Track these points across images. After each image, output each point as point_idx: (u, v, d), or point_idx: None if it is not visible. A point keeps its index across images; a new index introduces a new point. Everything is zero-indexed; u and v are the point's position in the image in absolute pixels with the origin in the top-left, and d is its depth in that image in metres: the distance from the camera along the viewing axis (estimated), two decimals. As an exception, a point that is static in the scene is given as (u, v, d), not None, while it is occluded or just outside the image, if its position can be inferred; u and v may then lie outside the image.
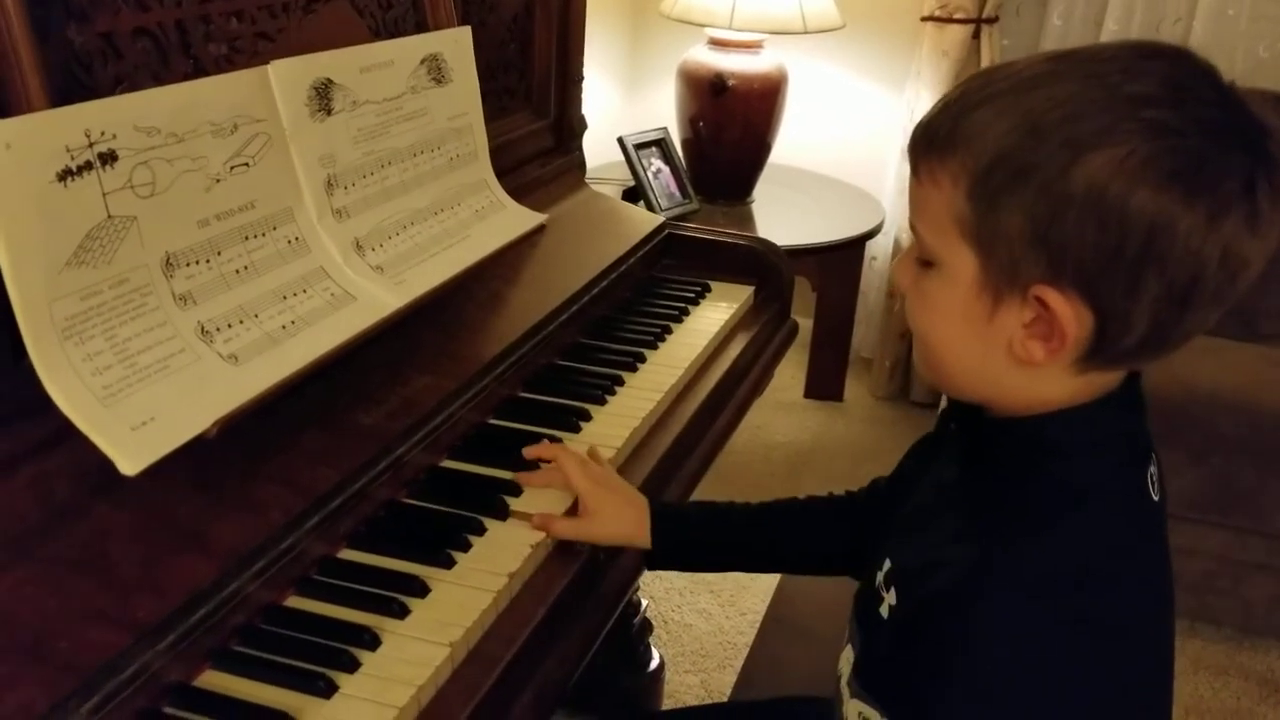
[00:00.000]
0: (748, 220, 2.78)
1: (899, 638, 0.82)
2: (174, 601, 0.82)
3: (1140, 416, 0.83)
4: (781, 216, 2.80)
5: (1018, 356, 0.76)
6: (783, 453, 2.84)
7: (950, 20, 2.82)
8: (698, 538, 1.12)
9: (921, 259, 0.80)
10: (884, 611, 0.83)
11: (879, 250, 3.07)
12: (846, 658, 0.92)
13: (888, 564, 0.86)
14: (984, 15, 2.81)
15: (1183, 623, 2.28)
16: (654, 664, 1.96)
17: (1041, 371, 0.77)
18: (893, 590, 0.83)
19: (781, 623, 1.43)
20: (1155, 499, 0.82)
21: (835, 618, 1.40)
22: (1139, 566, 0.81)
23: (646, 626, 1.98)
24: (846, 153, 3.14)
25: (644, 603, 1.97)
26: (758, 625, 2.20)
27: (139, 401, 0.83)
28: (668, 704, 2.03)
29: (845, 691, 0.88)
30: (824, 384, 3.10)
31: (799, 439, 2.92)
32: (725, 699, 2.07)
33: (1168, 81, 0.71)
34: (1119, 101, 0.70)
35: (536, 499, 1.08)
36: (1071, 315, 0.73)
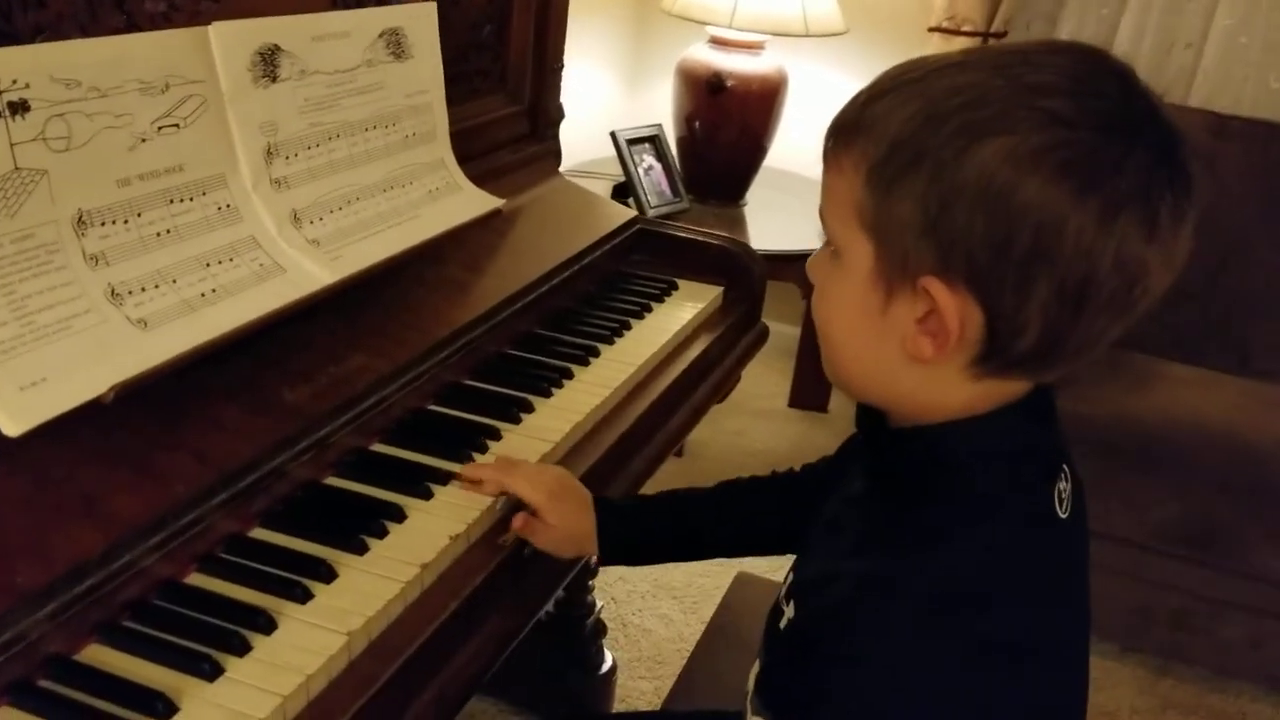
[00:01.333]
0: (739, 223, 2.74)
1: (791, 652, 0.79)
2: (58, 570, 0.79)
3: (1048, 429, 0.80)
4: (773, 220, 2.77)
5: (909, 353, 0.73)
6: (760, 460, 2.80)
7: (958, 33, 2.78)
8: (644, 537, 1.09)
9: (829, 252, 0.78)
10: (782, 625, 0.81)
11: (872, 262, 3.02)
12: (753, 672, 0.89)
13: (790, 577, 0.84)
14: (992, 30, 2.78)
15: (1154, 660, 2.24)
16: (606, 667, 1.93)
17: (937, 373, 0.74)
18: (791, 604, 0.81)
19: (724, 633, 1.40)
20: (1063, 516, 0.78)
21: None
22: (1037, 587, 0.77)
23: (600, 628, 1.94)
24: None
25: (599, 604, 1.94)
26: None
27: (32, 361, 0.80)
28: (618, 709, 1.99)
29: (749, 707, 0.85)
30: (809, 393, 3.07)
31: (778, 447, 2.89)
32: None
33: (1070, 73, 0.68)
34: (1018, 90, 0.67)
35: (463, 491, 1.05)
36: (956, 310, 0.70)
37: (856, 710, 0.71)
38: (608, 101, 3.11)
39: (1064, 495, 0.79)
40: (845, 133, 0.74)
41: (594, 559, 1.10)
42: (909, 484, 0.77)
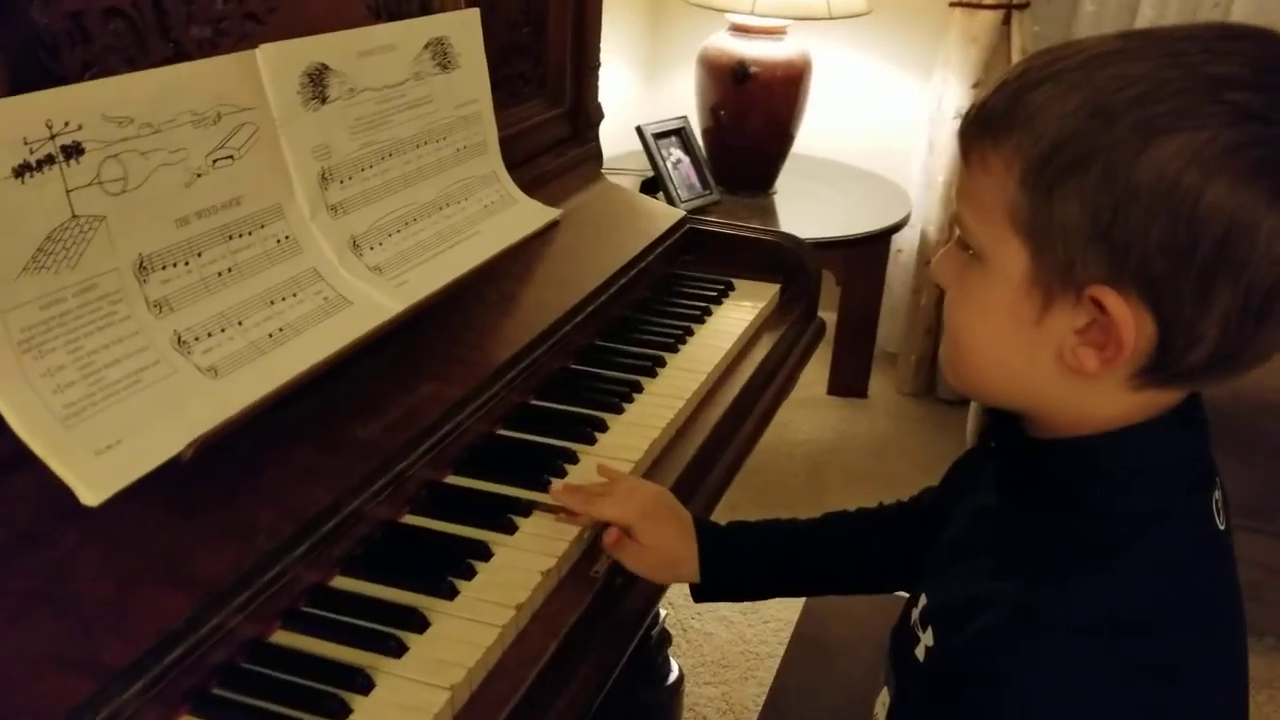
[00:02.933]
0: (770, 212, 2.69)
1: (935, 685, 0.74)
2: (145, 641, 0.74)
3: (1202, 437, 0.74)
4: (805, 208, 2.71)
5: (1068, 365, 0.68)
6: (805, 450, 2.75)
7: (980, 6, 2.71)
8: (749, 564, 1.03)
9: (967, 252, 0.72)
10: (920, 654, 0.76)
11: (905, 243, 2.97)
12: (883, 701, 0.84)
13: (924, 600, 0.79)
14: (1015, 0, 2.71)
15: (1224, 633, 2.19)
16: (673, 676, 1.87)
17: (1093, 385, 0.68)
18: (929, 630, 0.75)
19: (811, 642, 1.35)
20: (1221, 527, 0.74)
21: (868, 637, 1.33)
22: (1205, 605, 0.72)
23: (665, 637, 1.89)
24: (872, 143, 3.04)
25: (663, 612, 1.89)
26: (781, 634, 2.13)
27: (105, 421, 0.74)
28: (687, 718, 1.95)
29: None
30: (848, 380, 3.01)
31: (822, 437, 2.83)
32: (746, 712, 1.99)
33: (1256, 63, 0.62)
34: (1199, 82, 0.61)
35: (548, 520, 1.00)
36: (1131, 321, 0.64)
37: None
38: (627, 95, 3.06)
39: (1219, 505, 0.74)
40: (993, 128, 0.68)
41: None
42: (1061, 499, 0.72)
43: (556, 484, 1.03)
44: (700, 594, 1.03)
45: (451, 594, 0.90)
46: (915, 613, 0.79)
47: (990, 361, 0.73)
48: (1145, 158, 0.61)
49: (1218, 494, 0.74)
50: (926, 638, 0.75)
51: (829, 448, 2.78)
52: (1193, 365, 0.66)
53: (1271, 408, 2.08)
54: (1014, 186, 0.66)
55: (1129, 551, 0.68)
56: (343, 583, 0.91)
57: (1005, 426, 0.78)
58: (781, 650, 2.13)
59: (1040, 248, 0.66)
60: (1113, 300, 0.64)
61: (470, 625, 0.87)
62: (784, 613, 2.18)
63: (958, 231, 0.74)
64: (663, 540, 0.99)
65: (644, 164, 2.56)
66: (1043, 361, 0.69)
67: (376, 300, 0.98)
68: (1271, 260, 0.61)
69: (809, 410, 2.95)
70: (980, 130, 0.69)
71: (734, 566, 1.02)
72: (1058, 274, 0.66)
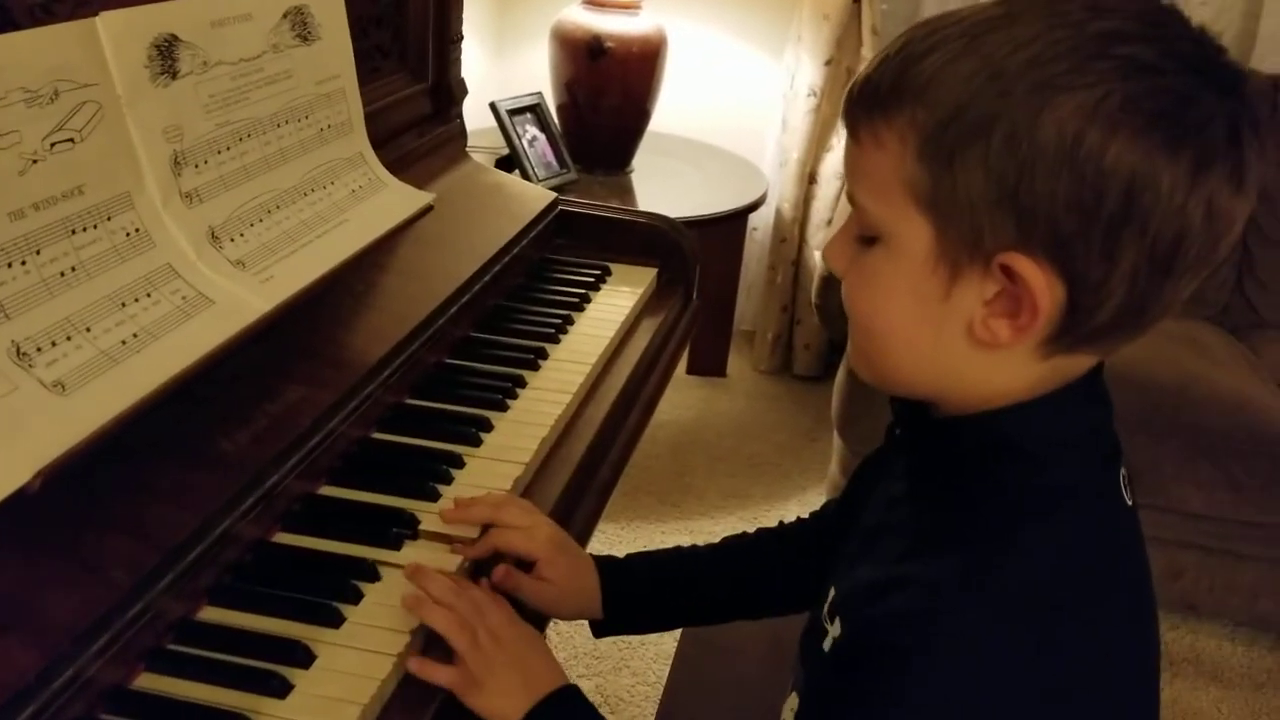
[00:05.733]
0: (627, 191, 2.63)
1: (838, 668, 0.71)
2: (-10, 703, 0.65)
3: (1107, 410, 0.73)
4: (662, 187, 2.67)
5: (978, 338, 0.66)
6: (667, 431, 2.72)
7: (834, -24, 2.71)
8: (652, 595, 0.99)
9: (862, 234, 0.70)
10: (826, 645, 0.73)
11: (760, 221, 2.97)
12: (790, 706, 0.80)
13: (832, 593, 0.76)
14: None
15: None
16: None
17: (1002, 357, 0.67)
18: (837, 621, 0.72)
19: (703, 642, 1.31)
20: (1129, 504, 0.73)
21: (762, 635, 1.29)
22: (1117, 580, 0.71)
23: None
24: (727, 120, 3.02)
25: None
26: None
27: (-67, 452, 0.64)
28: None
29: None
30: (707, 359, 3.00)
31: (683, 417, 2.81)
32: (621, 703, 1.95)
33: (1140, 16, 0.62)
34: (1088, 39, 0.61)
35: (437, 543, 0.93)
36: (1045, 285, 0.63)
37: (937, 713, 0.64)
38: (477, 70, 2.95)
39: (1126, 482, 0.73)
40: (882, 102, 0.65)
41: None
42: (970, 476, 0.70)
43: (446, 503, 0.95)
44: (602, 629, 0.98)
45: (337, 621, 0.82)
46: (824, 609, 0.76)
47: (902, 346, 0.70)
48: (1045, 118, 0.60)
49: (1124, 471, 0.73)
50: (834, 629, 0.72)
51: (690, 428, 2.76)
52: (1100, 325, 0.65)
53: (1119, 381, 2.15)
54: (911, 160, 0.64)
55: (1041, 523, 0.67)
56: (212, 614, 0.82)
57: (911, 413, 0.75)
58: (655, 641, 2.10)
59: (944, 220, 0.64)
60: (1025, 265, 0.63)
61: (361, 656, 0.79)
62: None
63: (847, 215, 0.71)
64: (566, 574, 0.93)
65: (498, 141, 2.47)
66: (951, 338, 0.67)
67: (241, 298, 0.89)
68: (1173, 211, 0.61)
69: (669, 391, 2.90)
70: (869, 105, 0.67)
71: (638, 598, 0.98)
72: (965, 245, 0.64)
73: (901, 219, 0.66)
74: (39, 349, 0.73)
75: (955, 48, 0.63)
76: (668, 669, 1.31)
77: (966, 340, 0.67)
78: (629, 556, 1.01)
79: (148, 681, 0.75)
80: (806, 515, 1.05)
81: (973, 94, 0.62)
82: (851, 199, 0.70)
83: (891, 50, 0.67)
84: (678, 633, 1.35)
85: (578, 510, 1.08)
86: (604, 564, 0.97)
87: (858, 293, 0.72)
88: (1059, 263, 0.62)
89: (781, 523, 1.05)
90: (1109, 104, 0.59)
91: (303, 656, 0.78)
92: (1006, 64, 0.61)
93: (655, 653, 2.04)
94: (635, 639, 2.07)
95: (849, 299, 0.73)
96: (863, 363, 0.75)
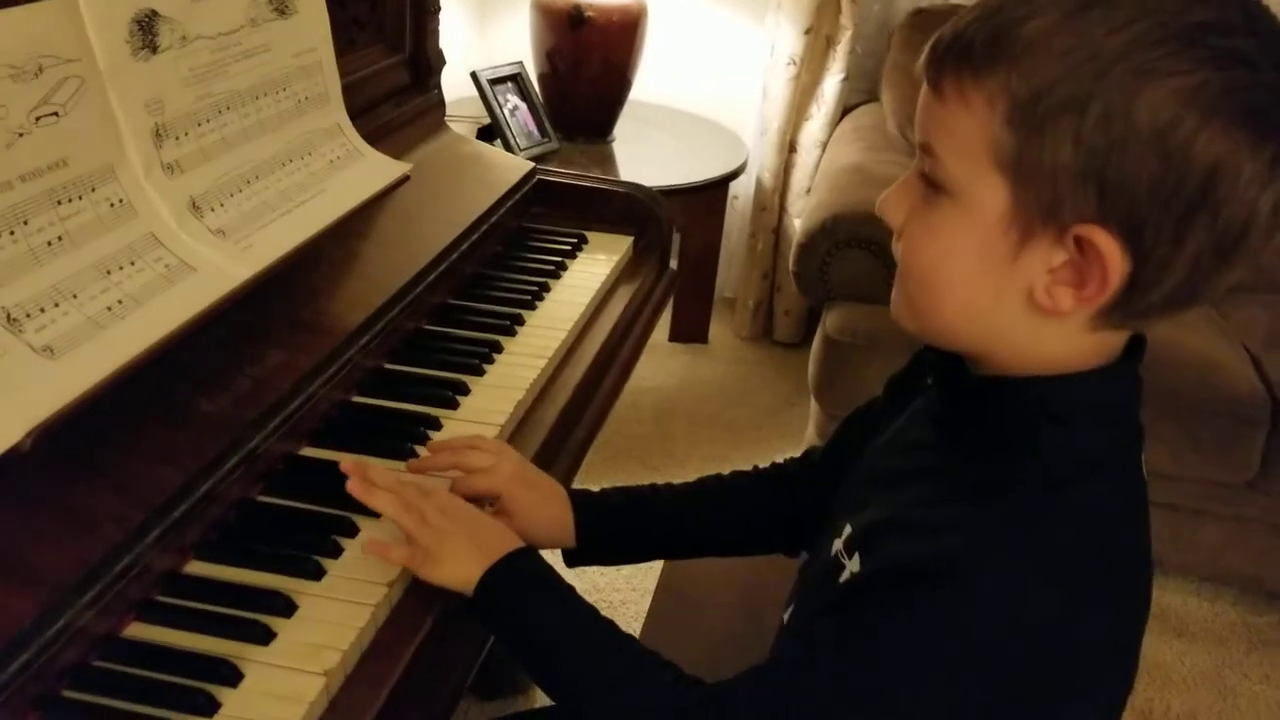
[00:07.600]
0: (609, 160, 2.66)
1: (866, 602, 0.73)
2: (-11, 648, 0.68)
3: (1139, 392, 0.76)
4: (644, 156, 2.69)
5: (1038, 304, 0.68)
6: (650, 398, 2.76)
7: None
8: (625, 526, 1.02)
9: (929, 183, 0.71)
10: (843, 578, 0.76)
11: (741, 190, 2.99)
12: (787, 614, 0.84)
13: (848, 530, 0.78)
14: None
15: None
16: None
17: (1054, 325, 0.69)
18: (856, 556, 0.75)
19: (676, 596, 1.35)
20: (1145, 479, 0.76)
21: (730, 588, 1.34)
22: (1135, 549, 0.75)
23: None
24: (707, 89, 3.04)
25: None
26: (633, 580, 2.14)
27: (-71, 412, 0.67)
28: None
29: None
30: (689, 326, 3.03)
31: (666, 384, 2.85)
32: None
33: (1237, 9, 0.64)
34: (1186, 27, 0.63)
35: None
36: (1119, 259, 0.65)
37: (970, 666, 0.67)
38: (458, 39, 2.96)
39: (1144, 457, 0.76)
40: (975, 60, 0.66)
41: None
42: (1008, 435, 0.72)
43: (422, 454, 0.99)
44: (574, 558, 1.02)
45: (318, 574, 0.86)
46: (838, 543, 0.78)
47: (956, 300, 0.72)
48: (1141, 100, 0.62)
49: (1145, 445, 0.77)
50: (853, 564, 0.75)
51: (673, 394, 2.80)
52: (1153, 303, 0.67)
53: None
54: (999, 123, 0.66)
55: (1082, 491, 0.70)
56: (198, 568, 0.86)
57: (945, 364, 0.77)
58: (634, 596, 2.15)
59: (1023, 185, 0.66)
60: (1102, 238, 0.65)
61: (341, 606, 0.83)
62: (642, 567, 2.19)
63: (914, 166, 0.73)
64: (528, 507, 0.96)
65: (479, 111, 2.49)
66: (1009, 300, 0.69)
67: (222, 266, 0.92)
68: (1246, 202, 0.63)
69: (652, 357, 2.95)
70: (958, 61, 0.67)
71: (611, 528, 1.01)
72: (1040, 212, 0.66)
73: (978, 177, 0.67)
74: (28, 315, 0.76)
75: (1053, 18, 0.64)
76: (639, 627, 1.35)
77: (1025, 304, 0.69)
78: (604, 489, 1.04)
79: (138, 630, 0.79)
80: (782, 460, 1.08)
81: (1070, 69, 0.63)
82: (925, 148, 0.71)
83: (990, 6, 0.67)
84: (652, 589, 1.40)
85: (553, 469, 1.12)
86: (577, 495, 1.00)
87: (919, 244, 0.73)
88: (1130, 240, 0.65)
89: (757, 467, 1.08)
90: (1206, 92, 0.61)
91: (285, 607, 0.82)
92: (1105, 44, 0.63)
93: (636, 611, 2.08)
94: (615, 599, 2.12)
95: (909, 250, 0.74)
96: (908, 312, 0.76)
